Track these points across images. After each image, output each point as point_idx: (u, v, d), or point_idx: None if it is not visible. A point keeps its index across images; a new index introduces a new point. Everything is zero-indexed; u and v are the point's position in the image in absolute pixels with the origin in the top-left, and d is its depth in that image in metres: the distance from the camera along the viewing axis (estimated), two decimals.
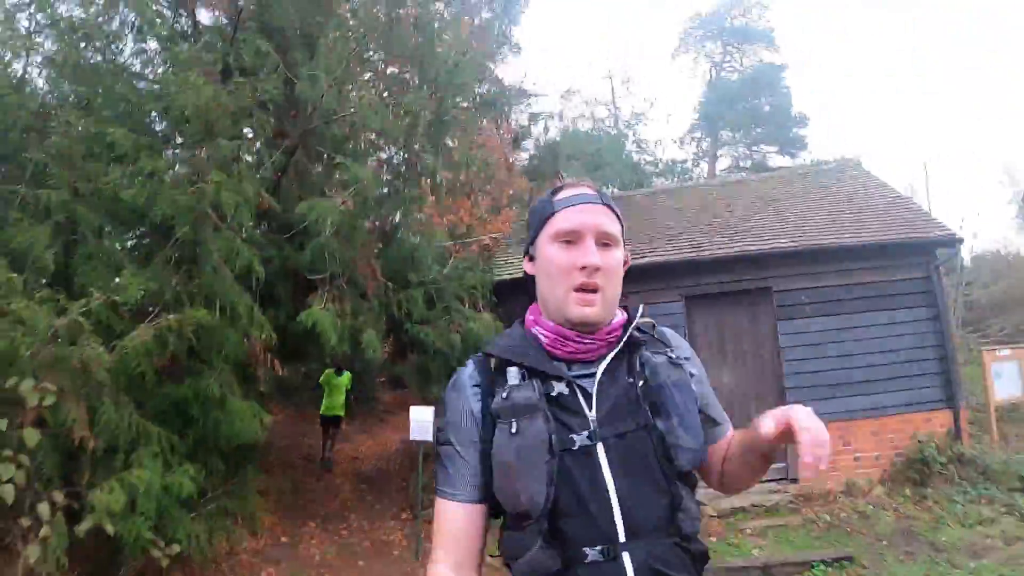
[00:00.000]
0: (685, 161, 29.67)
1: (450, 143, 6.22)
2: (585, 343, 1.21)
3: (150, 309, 4.29)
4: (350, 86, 5.27)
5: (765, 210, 9.28)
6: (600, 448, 1.14)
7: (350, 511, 7.27)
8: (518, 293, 7.04)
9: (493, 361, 1.24)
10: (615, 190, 22.10)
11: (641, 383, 1.20)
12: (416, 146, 5.05)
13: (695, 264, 8.00)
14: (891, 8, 62.41)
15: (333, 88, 4.81)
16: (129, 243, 5.18)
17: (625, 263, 1.27)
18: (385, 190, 5.40)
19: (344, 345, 5.16)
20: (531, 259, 1.31)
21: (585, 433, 1.15)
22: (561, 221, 1.22)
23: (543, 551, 1.11)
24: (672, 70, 32.82)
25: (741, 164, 28.22)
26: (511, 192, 8.95)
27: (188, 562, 4.66)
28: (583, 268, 1.19)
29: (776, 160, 28.48)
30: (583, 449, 1.14)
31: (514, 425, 1.13)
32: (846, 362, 7.64)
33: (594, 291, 1.20)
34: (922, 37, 65.67)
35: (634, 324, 1.26)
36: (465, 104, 6.62)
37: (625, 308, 1.31)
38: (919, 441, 7.45)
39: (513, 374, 1.19)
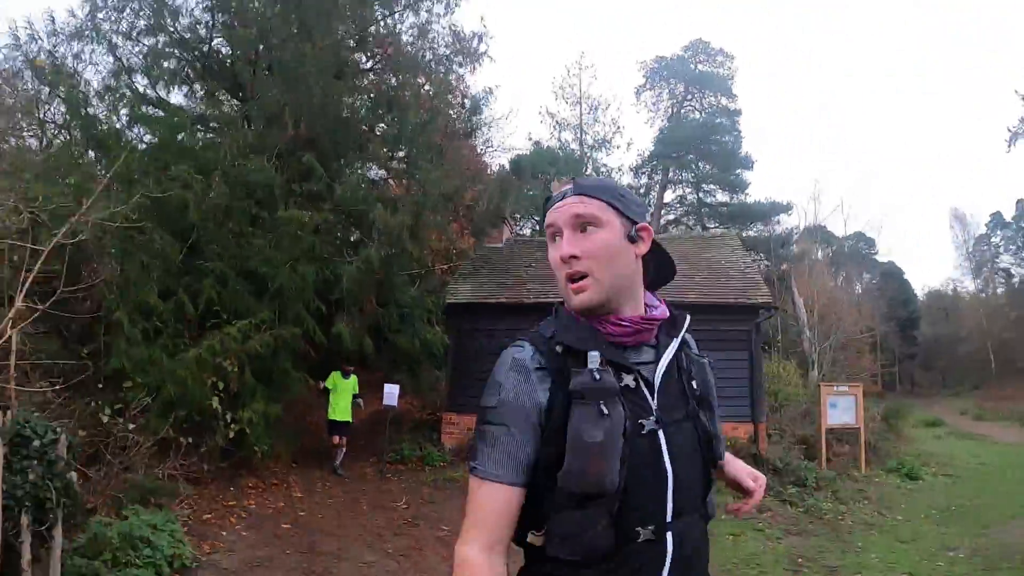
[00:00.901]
0: (641, 188, 32.98)
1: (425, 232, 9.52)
2: (623, 324, 1.26)
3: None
4: (363, 184, 8.40)
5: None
6: (661, 434, 1.21)
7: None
8: (462, 312, 10.19)
9: (559, 346, 1.25)
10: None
11: (688, 379, 1.30)
12: (405, 234, 8.07)
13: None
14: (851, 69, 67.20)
15: (359, 188, 8.01)
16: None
17: (642, 239, 1.30)
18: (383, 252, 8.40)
19: (355, 344, 8.37)
20: None
21: (652, 418, 1.20)
22: (548, 220, 1.30)
23: (606, 530, 1.15)
24: (638, 104, 35.40)
25: (686, 199, 31.51)
26: (462, 240, 12.02)
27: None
28: (561, 260, 1.25)
29: (720, 196, 31.92)
30: (650, 433, 1.20)
31: (604, 407, 1.15)
32: None
33: (582, 278, 1.24)
34: (875, 94, 70.70)
35: (686, 327, 1.36)
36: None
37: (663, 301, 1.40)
38: (731, 438, 10.73)
39: (595, 358, 1.20)
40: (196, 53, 9.37)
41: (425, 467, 9.97)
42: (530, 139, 32.44)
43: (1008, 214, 43.83)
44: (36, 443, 4.10)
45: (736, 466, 1.47)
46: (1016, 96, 36.49)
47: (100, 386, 6.17)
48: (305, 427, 10.65)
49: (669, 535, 1.19)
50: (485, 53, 11.54)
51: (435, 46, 10.75)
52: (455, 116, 11.89)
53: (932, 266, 78.16)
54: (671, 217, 32.05)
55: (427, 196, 8.65)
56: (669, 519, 1.19)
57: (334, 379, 9.98)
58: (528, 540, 1.24)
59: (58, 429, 4.33)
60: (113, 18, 9.10)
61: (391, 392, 9.55)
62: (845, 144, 72.18)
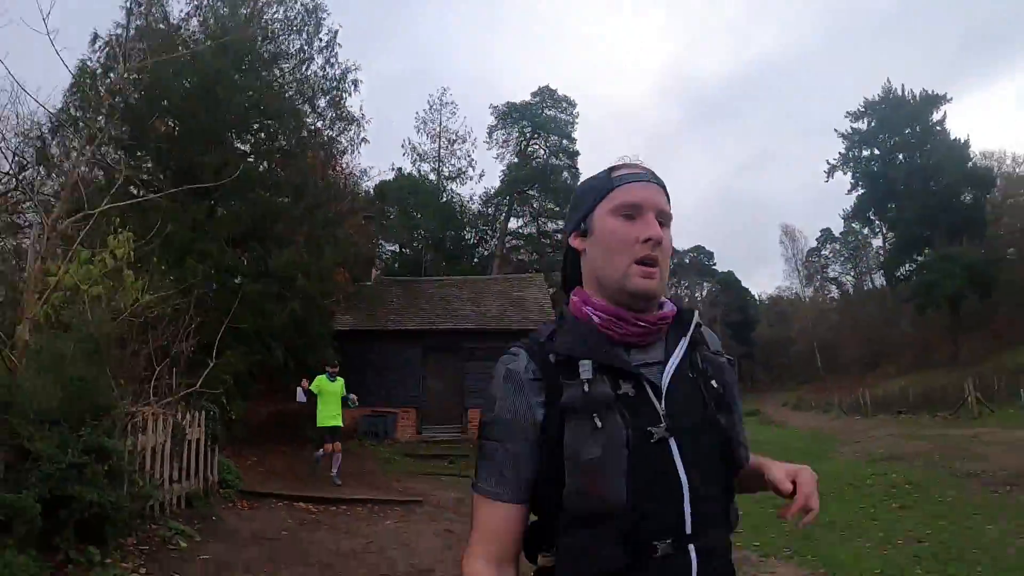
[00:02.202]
0: (490, 216, 38.42)
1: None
2: (640, 326, 1.19)
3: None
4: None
5: (468, 301, 17.88)
6: (672, 441, 1.13)
7: (277, 441, 14.16)
8: (346, 336, 15.09)
9: (554, 356, 1.18)
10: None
11: (704, 380, 1.21)
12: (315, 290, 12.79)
13: (430, 331, 16.35)
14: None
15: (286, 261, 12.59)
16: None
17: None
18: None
19: (283, 362, 12.84)
20: (582, 234, 1.27)
21: (662, 426, 1.12)
22: (624, 195, 1.21)
23: (617, 547, 1.08)
24: (490, 141, 40.76)
25: (524, 231, 37.23)
26: (346, 283, 16.80)
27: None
28: (646, 241, 1.18)
29: (552, 226, 37.84)
30: (660, 442, 1.12)
31: (597, 420, 1.08)
32: (486, 375, 16.33)
33: (654, 264, 1.19)
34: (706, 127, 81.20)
35: (695, 321, 1.26)
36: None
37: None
38: None
39: (587, 368, 1.13)
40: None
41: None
42: (393, 168, 36.90)
43: (836, 230, 52.51)
44: None
45: (773, 471, 1.24)
46: (836, 134, 45.77)
47: None
48: None
49: (692, 549, 1.10)
50: (363, 138, 16.96)
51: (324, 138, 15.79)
52: (343, 189, 16.83)
53: (771, 276, 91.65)
54: (513, 243, 37.60)
55: (327, 261, 13.53)
56: (689, 531, 1.11)
57: (319, 383, 10.13)
58: (539, 563, 1.19)
59: None
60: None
61: (302, 392, 14.00)
62: (687, 172, 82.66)
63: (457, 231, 36.46)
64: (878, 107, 44.69)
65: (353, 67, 16.80)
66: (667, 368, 1.19)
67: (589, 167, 72.43)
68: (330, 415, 10.01)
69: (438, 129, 39.95)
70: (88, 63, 13.49)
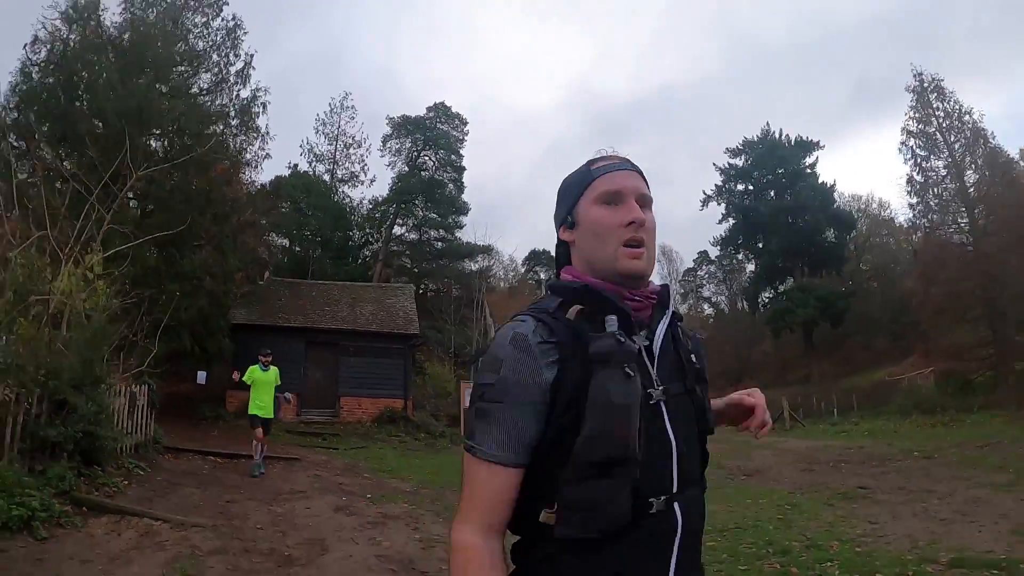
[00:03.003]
0: (377, 219, 40.92)
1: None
2: (635, 300, 1.26)
3: None
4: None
5: (346, 304, 20.84)
6: (663, 405, 1.21)
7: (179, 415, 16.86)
8: (240, 329, 17.72)
9: (573, 311, 1.22)
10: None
11: (685, 352, 1.31)
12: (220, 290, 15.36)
13: (312, 328, 19.21)
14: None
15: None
16: None
17: None
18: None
19: (192, 347, 15.33)
20: (569, 227, 1.34)
21: (661, 388, 1.20)
22: (604, 184, 1.29)
23: (627, 500, 1.12)
24: (384, 149, 43.15)
25: (407, 237, 40.06)
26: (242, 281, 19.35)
27: None
28: (630, 224, 1.25)
29: (433, 234, 40.83)
30: (656, 404, 1.19)
31: (628, 370, 1.14)
32: (371, 376, 19.31)
33: (640, 245, 1.26)
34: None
35: (674, 298, 1.35)
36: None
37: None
38: (388, 406, 19.26)
39: (612, 322, 1.18)
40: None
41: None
42: (289, 166, 38.94)
43: (713, 254, 56.75)
44: None
45: (731, 395, 1.47)
46: (714, 167, 49.90)
47: None
48: None
49: (677, 506, 1.17)
50: (267, 153, 19.77)
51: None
52: (245, 202, 19.38)
53: None
54: (395, 248, 40.35)
55: (230, 266, 16.22)
56: (675, 490, 1.18)
57: (252, 373, 10.17)
58: (541, 519, 1.16)
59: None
60: None
61: (202, 375, 16.42)
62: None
63: (345, 231, 38.83)
64: (756, 147, 48.14)
65: (263, 91, 19.53)
66: (656, 336, 1.26)
67: (474, 179, 76.04)
68: (260, 405, 9.96)
69: (336, 132, 42.26)
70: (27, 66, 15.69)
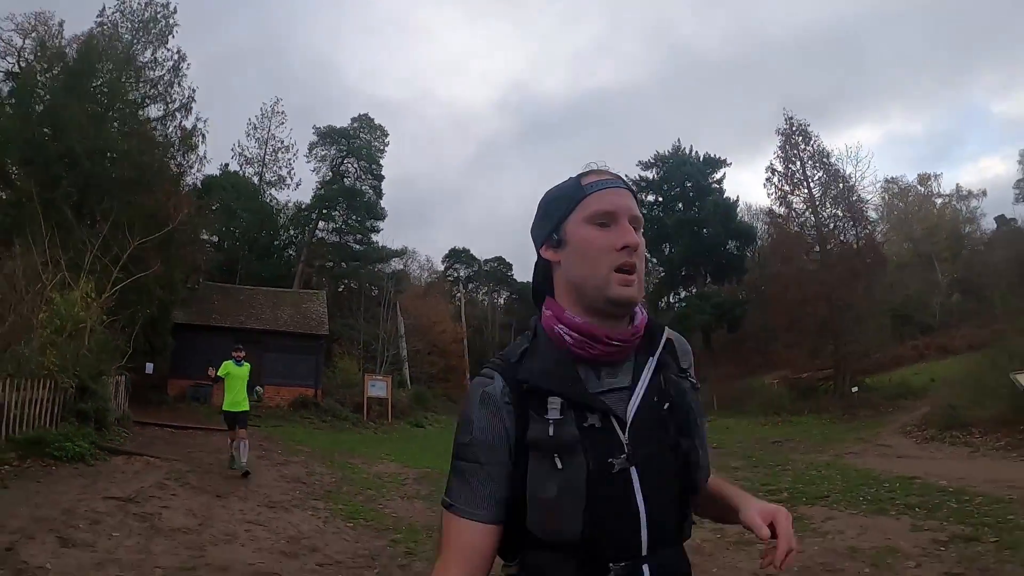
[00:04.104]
0: (301, 222, 44.63)
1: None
2: (614, 345, 1.22)
3: None
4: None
5: (268, 307, 25.18)
6: (633, 470, 1.17)
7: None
8: (180, 329, 21.91)
9: (524, 384, 1.21)
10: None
11: (667, 405, 1.24)
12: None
13: (239, 328, 23.40)
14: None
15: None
16: None
17: None
18: None
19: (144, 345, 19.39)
20: (554, 245, 1.29)
21: (623, 456, 1.16)
22: (597, 202, 1.23)
23: (573, 570, 1.14)
24: (310, 156, 46.60)
25: (328, 239, 43.99)
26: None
27: None
28: (623, 248, 1.21)
29: (351, 239, 44.83)
30: (621, 472, 1.16)
31: (558, 461, 1.13)
32: (288, 368, 23.66)
33: (632, 271, 1.22)
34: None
35: (665, 336, 1.31)
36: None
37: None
38: (302, 393, 23.66)
39: (555, 405, 1.17)
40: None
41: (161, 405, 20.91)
42: (220, 167, 42.08)
43: None
44: None
45: (749, 512, 1.24)
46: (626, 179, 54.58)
47: None
48: None
49: (646, 568, 1.16)
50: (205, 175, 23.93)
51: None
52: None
53: None
54: (317, 250, 44.17)
55: (175, 278, 20.42)
56: (645, 553, 1.16)
57: (226, 367, 10.40)
58: (503, 572, 1.24)
59: None
60: None
61: (149, 366, 20.35)
62: (506, 184, 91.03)
63: (271, 232, 42.53)
64: (666, 161, 51.63)
65: (205, 123, 23.70)
66: (633, 398, 1.22)
67: (406, 173, 79.22)
68: (235, 400, 10.33)
69: (266, 136, 45.64)
70: None
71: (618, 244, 1.21)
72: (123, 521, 6.86)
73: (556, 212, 1.29)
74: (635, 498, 1.16)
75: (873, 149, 75.04)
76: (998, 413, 13.58)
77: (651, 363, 1.27)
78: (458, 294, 55.12)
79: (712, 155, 52.15)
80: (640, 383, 1.24)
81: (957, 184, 51.69)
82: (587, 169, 1.31)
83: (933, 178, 51.72)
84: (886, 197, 48.72)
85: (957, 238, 46.72)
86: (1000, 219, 46.65)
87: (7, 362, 10.06)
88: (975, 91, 77.65)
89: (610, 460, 1.16)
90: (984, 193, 49.94)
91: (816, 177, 30.11)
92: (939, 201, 51.04)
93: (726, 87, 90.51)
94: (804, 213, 30.12)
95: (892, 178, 50.37)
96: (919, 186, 51.68)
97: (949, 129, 79.71)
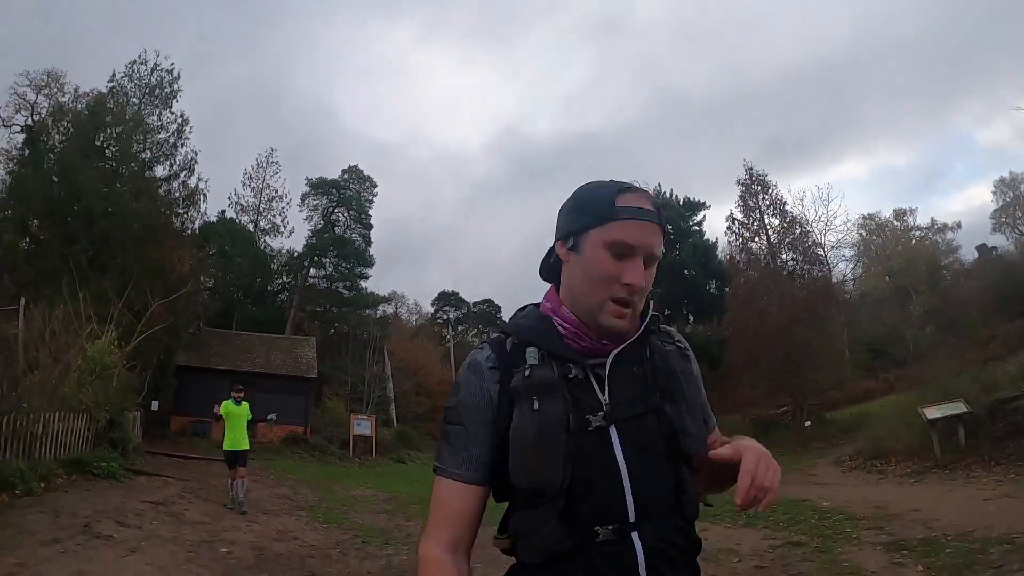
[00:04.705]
0: (294, 268, 47.18)
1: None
2: (603, 343, 1.26)
3: None
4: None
5: (262, 352, 27.62)
6: (613, 430, 1.18)
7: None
8: (182, 370, 24.34)
9: (510, 342, 1.27)
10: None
11: (651, 368, 1.26)
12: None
13: (235, 371, 25.86)
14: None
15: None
16: None
17: None
18: None
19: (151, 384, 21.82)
20: (569, 247, 1.29)
21: (600, 414, 1.18)
22: (620, 231, 1.22)
23: (557, 529, 1.14)
24: (303, 206, 49.15)
25: (319, 286, 46.48)
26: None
27: None
28: (627, 284, 1.22)
29: (342, 284, 47.38)
30: (598, 430, 1.18)
31: (535, 403, 1.17)
32: (280, 408, 26.06)
33: (628, 306, 1.23)
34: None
35: (648, 320, 1.31)
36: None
37: None
38: (293, 431, 26.00)
39: (532, 354, 1.22)
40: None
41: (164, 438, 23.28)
42: (217, 215, 44.49)
43: None
44: None
45: (724, 449, 1.20)
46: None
47: None
48: None
49: (636, 536, 1.15)
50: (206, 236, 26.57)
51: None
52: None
53: None
54: (308, 296, 46.67)
55: (181, 324, 22.88)
56: (632, 519, 1.15)
57: (226, 407, 10.56)
58: (493, 544, 1.27)
59: None
60: None
61: (155, 404, 22.63)
62: (498, 227, 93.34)
63: (265, 278, 45.03)
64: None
65: (207, 182, 26.41)
66: (610, 357, 1.24)
67: (396, 216, 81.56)
68: (235, 439, 10.55)
69: (260, 185, 48.29)
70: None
71: (624, 279, 1.22)
72: (157, 515, 9.34)
73: (582, 218, 1.27)
74: (615, 458, 1.18)
75: (859, 182, 75.57)
76: (911, 444, 14.59)
77: (632, 338, 1.28)
78: (448, 335, 57.11)
79: (691, 198, 54.42)
80: (617, 349, 1.26)
81: (932, 217, 52.98)
82: (629, 184, 1.28)
83: (909, 212, 53.07)
84: (863, 234, 50.62)
85: (935, 270, 47.06)
86: (981, 248, 47.66)
87: (54, 398, 12.51)
88: (960, 119, 77.86)
89: (587, 417, 1.19)
90: (959, 225, 50.97)
91: (774, 225, 32.00)
92: (917, 234, 52.12)
93: (710, 127, 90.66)
94: (763, 258, 31.55)
95: (869, 214, 52.19)
96: (895, 221, 53.11)
97: (934, 161, 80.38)
